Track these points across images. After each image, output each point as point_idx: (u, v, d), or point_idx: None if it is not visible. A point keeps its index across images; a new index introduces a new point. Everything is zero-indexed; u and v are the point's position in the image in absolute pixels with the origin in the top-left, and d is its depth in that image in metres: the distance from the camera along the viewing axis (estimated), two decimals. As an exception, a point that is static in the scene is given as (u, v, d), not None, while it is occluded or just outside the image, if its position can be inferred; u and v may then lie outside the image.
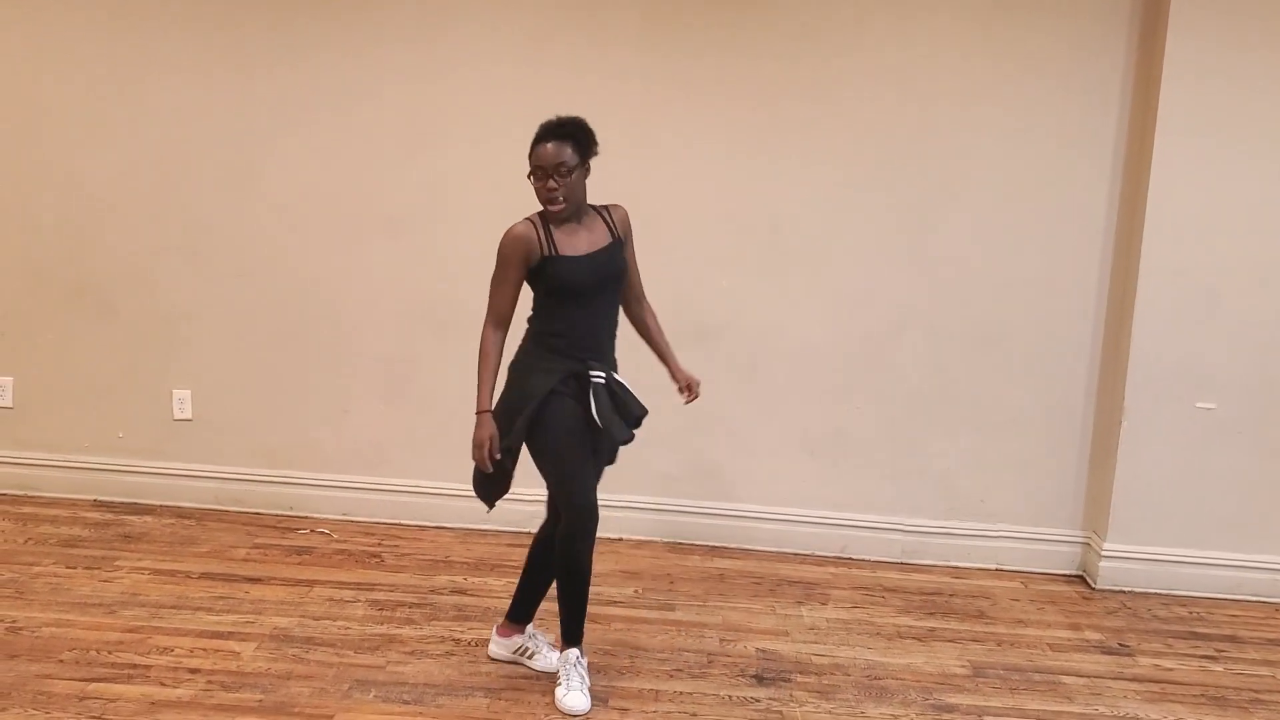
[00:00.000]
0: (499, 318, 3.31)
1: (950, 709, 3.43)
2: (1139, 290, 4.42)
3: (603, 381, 3.29)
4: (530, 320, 3.38)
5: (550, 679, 3.42)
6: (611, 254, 3.32)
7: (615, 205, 3.42)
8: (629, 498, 4.80)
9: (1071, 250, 4.58)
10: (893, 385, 4.70)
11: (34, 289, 4.85)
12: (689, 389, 3.53)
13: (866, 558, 4.76)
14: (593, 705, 3.29)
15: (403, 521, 4.88)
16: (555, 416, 3.27)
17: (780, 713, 3.34)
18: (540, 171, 3.23)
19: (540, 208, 3.29)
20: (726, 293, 4.68)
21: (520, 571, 3.59)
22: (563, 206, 3.23)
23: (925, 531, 4.77)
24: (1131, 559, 4.56)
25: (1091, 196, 4.55)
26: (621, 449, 3.44)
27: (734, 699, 3.41)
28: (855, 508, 4.77)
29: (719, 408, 4.71)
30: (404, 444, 4.86)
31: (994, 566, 4.75)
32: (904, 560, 4.77)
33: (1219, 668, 3.87)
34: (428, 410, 4.84)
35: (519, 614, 3.56)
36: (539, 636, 3.59)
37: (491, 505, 3.48)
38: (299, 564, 4.34)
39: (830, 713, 3.36)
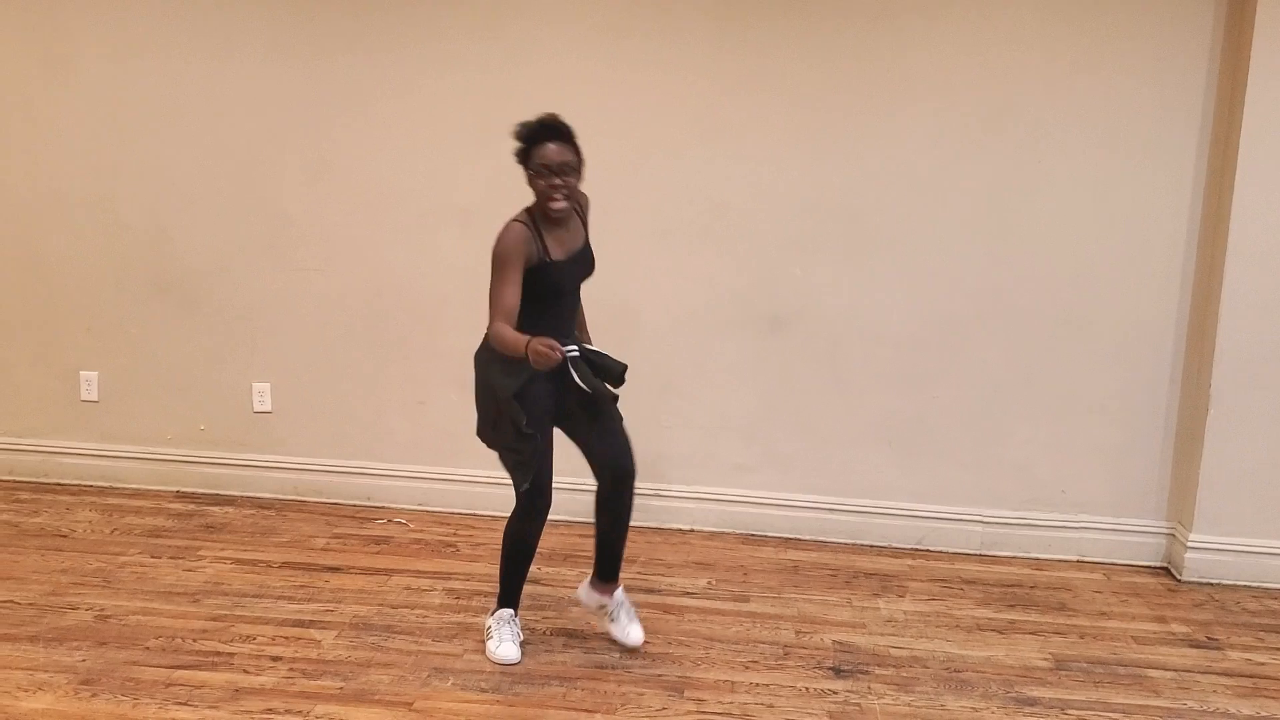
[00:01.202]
0: (506, 314, 3.31)
1: (1032, 702, 3.37)
2: (1226, 274, 4.30)
3: (577, 353, 3.38)
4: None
5: (628, 664, 3.43)
6: (586, 253, 3.48)
7: (582, 193, 3.48)
8: (701, 489, 4.78)
9: (1156, 233, 4.47)
10: (972, 373, 4.62)
11: (118, 284, 4.96)
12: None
13: (944, 549, 4.70)
14: (668, 695, 3.29)
15: (477, 511, 4.91)
16: (530, 401, 3.35)
17: (859, 705, 3.31)
18: (545, 170, 3.28)
19: (524, 208, 3.39)
20: (801, 281, 4.64)
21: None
22: (564, 206, 3.32)
23: (1005, 522, 4.69)
24: (1219, 550, 4.44)
25: (1177, 179, 4.43)
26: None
27: (811, 691, 3.38)
28: (933, 498, 4.71)
29: (794, 397, 4.69)
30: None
31: (1075, 558, 4.66)
32: (983, 552, 4.70)
33: (1313, 662, 3.76)
34: (502, 401, 4.86)
35: (604, 573, 3.63)
36: (625, 606, 3.63)
37: (527, 481, 3.46)
38: (377, 553, 4.39)
39: (909, 705, 3.32)
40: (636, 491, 3.53)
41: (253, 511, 4.82)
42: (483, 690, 3.28)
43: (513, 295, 3.33)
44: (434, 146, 4.73)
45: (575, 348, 3.40)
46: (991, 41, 4.43)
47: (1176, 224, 4.46)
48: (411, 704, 3.19)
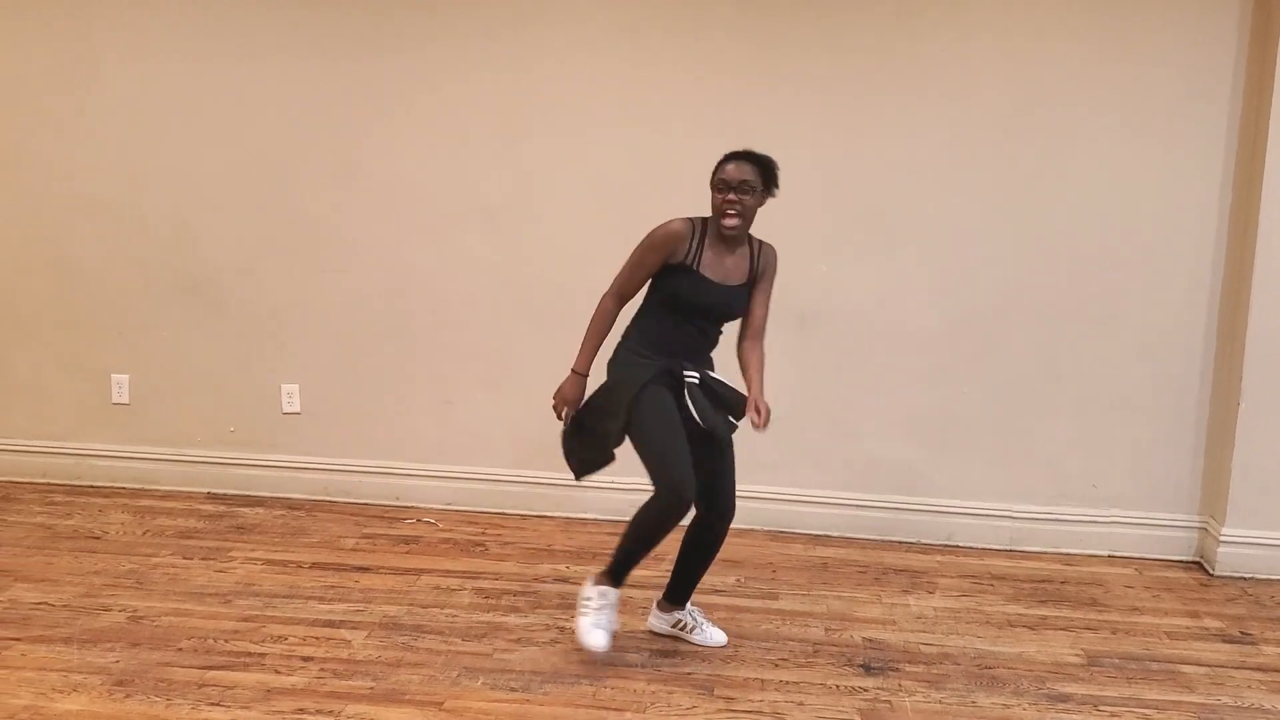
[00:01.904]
0: (622, 295, 3.45)
1: (1065, 699, 3.35)
2: (1256, 267, 4.26)
3: (696, 381, 3.36)
4: (635, 318, 3.47)
5: (658, 663, 3.43)
6: (738, 293, 3.39)
7: (770, 248, 3.46)
8: (730, 486, 4.78)
9: (1184, 227, 4.44)
10: (1000, 368, 4.60)
11: (147, 288, 4.99)
12: (758, 412, 3.36)
13: (974, 545, 4.68)
14: (697, 693, 3.29)
15: (505, 511, 4.92)
16: (650, 403, 3.33)
17: (889, 702, 3.29)
18: (723, 185, 3.29)
19: (708, 214, 3.38)
20: (826, 277, 4.62)
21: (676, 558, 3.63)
22: (737, 224, 3.30)
23: (1034, 518, 4.66)
24: (1252, 544, 4.41)
25: (1205, 172, 4.40)
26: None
27: (841, 688, 3.37)
28: (962, 494, 4.69)
29: (821, 393, 4.68)
30: (505, 434, 4.91)
31: (1106, 553, 4.63)
32: (1012, 547, 4.67)
33: (1349, 657, 3.72)
34: (529, 400, 4.85)
35: (675, 596, 3.64)
36: (697, 613, 3.66)
37: (580, 475, 3.56)
38: (406, 553, 4.41)
39: (940, 703, 3.30)
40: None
41: (283, 512, 4.85)
42: (512, 689, 3.29)
43: (633, 279, 3.42)
44: (458, 146, 4.74)
45: (697, 375, 3.37)
46: (1015, 33, 4.41)
47: (1205, 216, 4.42)
48: (442, 703, 3.19)
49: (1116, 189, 4.44)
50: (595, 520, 4.85)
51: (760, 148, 4.63)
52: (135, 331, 5.03)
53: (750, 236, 3.42)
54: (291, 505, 4.94)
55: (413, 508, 4.94)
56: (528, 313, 4.80)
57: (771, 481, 4.75)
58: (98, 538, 4.47)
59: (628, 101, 4.63)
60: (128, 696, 3.17)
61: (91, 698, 3.16)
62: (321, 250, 4.89)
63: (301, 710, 3.13)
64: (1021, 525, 4.67)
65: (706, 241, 3.35)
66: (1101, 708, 3.30)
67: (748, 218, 3.32)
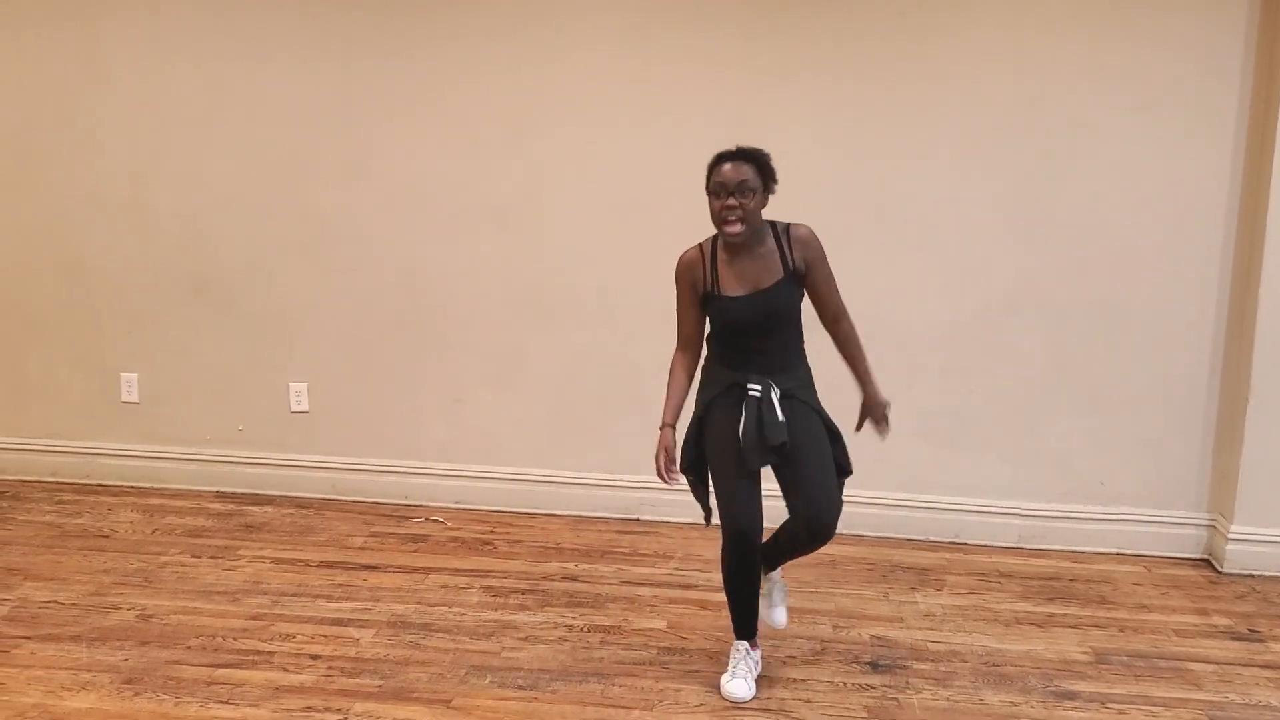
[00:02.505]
0: (682, 340, 3.32)
1: (1072, 696, 3.35)
2: (1265, 264, 4.24)
3: (757, 395, 3.17)
4: (706, 339, 3.36)
5: (666, 660, 3.44)
6: (776, 292, 3.18)
7: (798, 226, 3.22)
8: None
9: (1193, 223, 4.43)
10: (1009, 365, 4.59)
11: (156, 287, 5.01)
12: (874, 421, 3.34)
13: (982, 542, 4.67)
14: (706, 690, 3.29)
15: (514, 509, 4.93)
16: (712, 430, 3.25)
17: (897, 700, 3.29)
18: (720, 189, 3.10)
19: (713, 233, 3.23)
20: (835, 272, 4.60)
21: None
22: (740, 230, 3.10)
23: (1042, 515, 4.66)
24: (1260, 542, 4.39)
25: (1214, 169, 4.38)
26: None
27: (849, 686, 3.38)
28: (970, 492, 4.69)
29: (828, 390, 4.66)
30: (514, 432, 4.91)
31: (1115, 550, 4.62)
32: (1020, 545, 4.67)
33: (1358, 654, 3.71)
34: (537, 398, 4.88)
35: (768, 560, 3.46)
36: (778, 587, 3.53)
37: (707, 518, 3.37)
38: (415, 552, 4.42)
39: (948, 700, 3.30)
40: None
41: (291, 511, 4.86)
42: (520, 688, 3.30)
43: (685, 323, 3.30)
44: (467, 146, 4.75)
45: (759, 389, 3.17)
46: (1024, 27, 4.39)
47: (1214, 213, 4.41)
48: (450, 701, 3.20)
49: (1125, 186, 4.43)
50: (605, 519, 4.86)
51: (769, 142, 4.61)
52: (144, 330, 5.05)
53: (772, 226, 3.22)
54: (300, 504, 4.95)
55: (421, 506, 4.95)
56: (537, 311, 4.81)
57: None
58: (107, 536, 4.49)
59: (637, 99, 4.63)
60: (136, 695, 3.19)
61: (100, 696, 3.17)
62: (330, 249, 4.90)
63: (310, 708, 3.14)
64: (1029, 523, 4.66)
65: (720, 259, 3.20)
66: (1109, 705, 3.30)
67: (751, 221, 3.11)
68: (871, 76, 4.49)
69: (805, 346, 3.35)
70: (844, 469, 3.34)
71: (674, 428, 3.29)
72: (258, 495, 5.04)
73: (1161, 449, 4.57)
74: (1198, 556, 4.58)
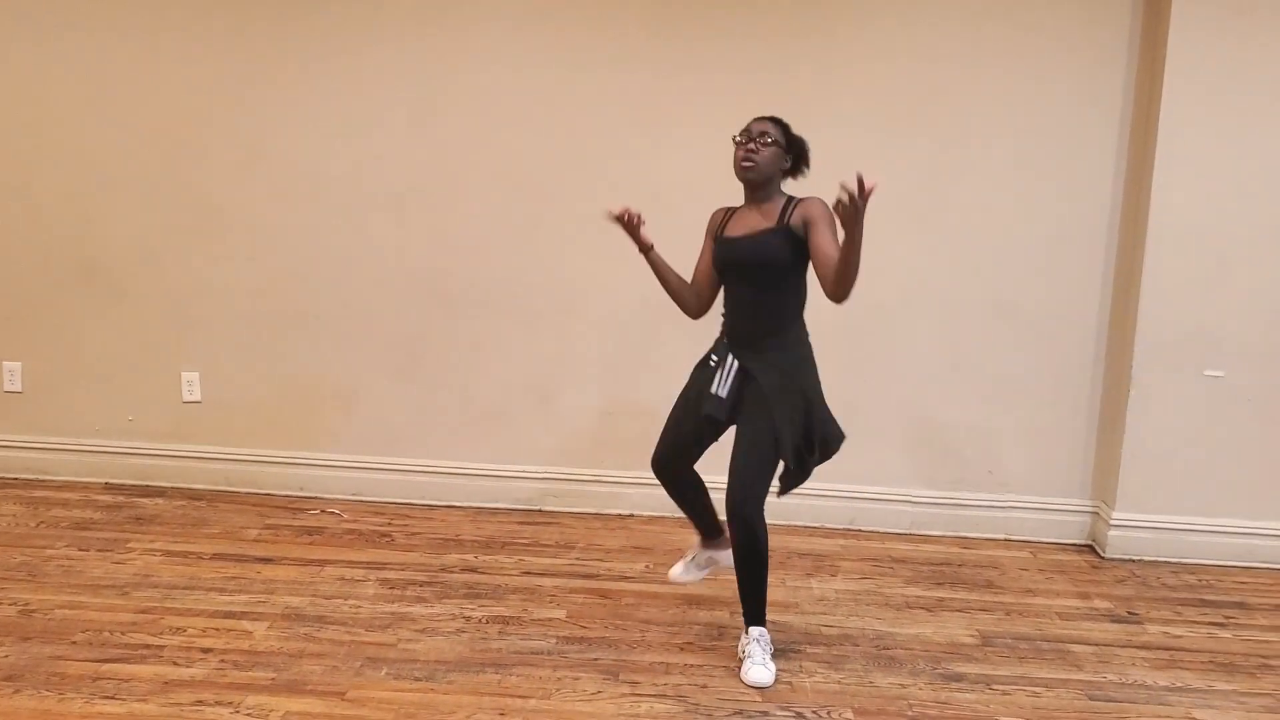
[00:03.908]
0: (692, 275, 3.61)
1: (959, 678, 3.44)
2: (1146, 258, 4.40)
3: (713, 366, 3.44)
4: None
5: (564, 650, 3.46)
6: (761, 240, 3.34)
7: (811, 198, 3.34)
8: (640, 474, 4.80)
9: (1078, 220, 4.57)
10: (901, 357, 4.69)
11: (41, 271, 4.87)
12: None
13: (876, 529, 4.78)
14: (603, 678, 3.31)
15: (413, 501, 4.90)
16: (693, 379, 3.57)
17: (790, 684, 3.35)
18: (745, 134, 3.37)
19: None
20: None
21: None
22: (752, 167, 3.33)
23: (934, 502, 4.77)
24: (1140, 528, 4.56)
25: (1098, 167, 4.53)
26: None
27: (744, 671, 3.42)
28: (864, 480, 4.78)
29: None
30: (413, 423, 4.88)
31: (1003, 537, 4.76)
32: (913, 531, 4.78)
33: (1228, 634, 3.87)
34: (437, 389, 4.85)
35: (707, 530, 3.80)
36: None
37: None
38: (310, 544, 4.37)
39: (839, 683, 3.37)
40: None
41: (183, 503, 4.77)
42: (417, 679, 3.28)
43: (699, 264, 3.60)
44: (366, 133, 4.70)
45: (716, 359, 3.44)
46: (916, 28, 4.49)
47: (1098, 211, 4.55)
48: (344, 694, 3.17)
49: (1014, 185, 4.55)
50: (506, 510, 4.85)
51: (667, 133, 4.68)
52: (28, 318, 4.90)
53: (790, 197, 3.37)
54: (192, 496, 4.86)
55: (317, 498, 4.89)
56: (436, 301, 4.78)
57: (678, 469, 4.79)
58: (-11, 530, 4.36)
59: (540, 88, 4.62)
60: (17, 692, 3.10)
61: (-20, 693, 3.08)
62: (224, 235, 4.80)
63: (200, 702, 3.08)
64: (921, 510, 4.78)
65: (736, 212, 3.48)
66: (994, 686, 3.39)
67: (763, 168, 3.33)
68: (768, 70, 4.54)
69: (803, 333, 3.49)
70: (800, 471, 3.47)
71: (649, 245, 3.53)
72: (148, 487, 4.93)
73: (1047, 439, 4.72)
74: (1081, 542, 4.74)
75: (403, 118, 4.67)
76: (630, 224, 3.42)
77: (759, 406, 3.32)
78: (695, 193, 4.68)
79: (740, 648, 3.49)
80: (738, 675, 3.38)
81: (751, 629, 3.43)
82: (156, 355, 4.90)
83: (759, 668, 3.34)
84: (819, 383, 3.44)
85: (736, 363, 3.38)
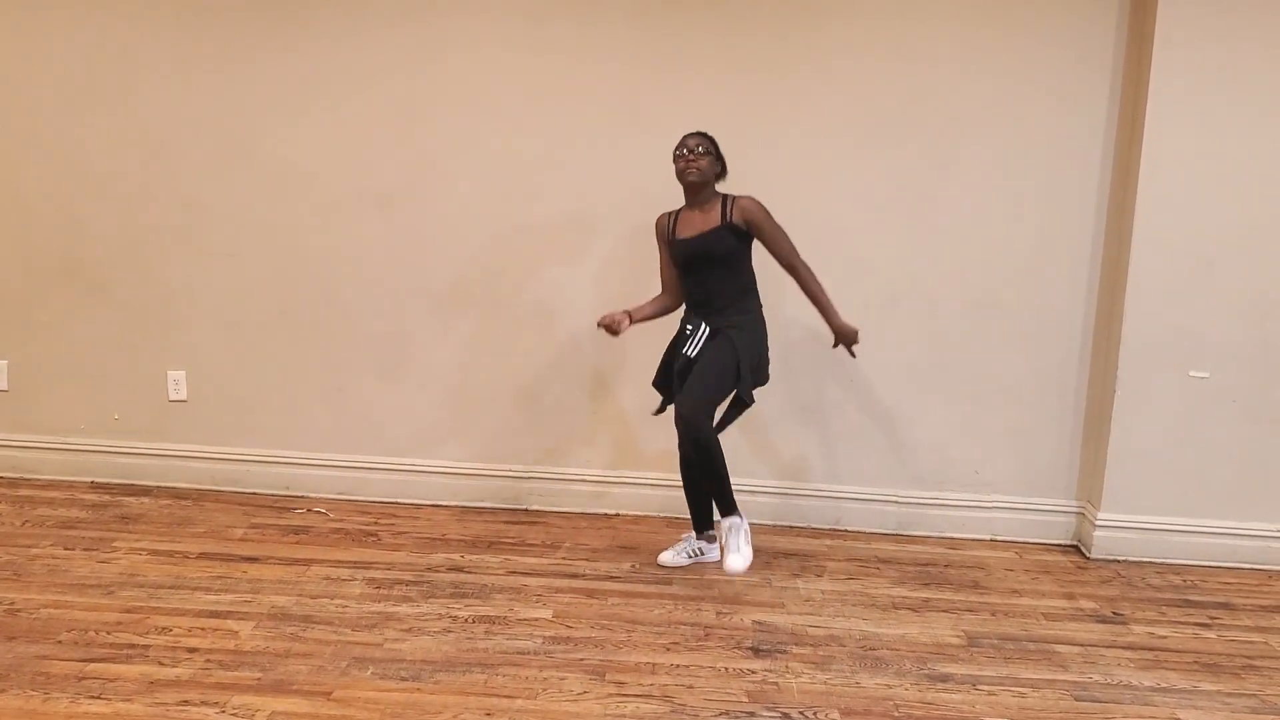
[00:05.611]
0: (663, 284, 4.25)
1: (945, 679, 3.45)
2: (1132, 259, 4.42)
3: (687, 334, 4.09)
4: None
5: (550, 649, 3.46)
6: (711, 238, 4.00)
7: (745, 196, 4.03)
8: (626, 473, 4.82)
9: (1066, 218, 4.58)
10: (888, 356, 4.70)
11: (27, 270, 4.85)
12: (845, 346, 4.12)
13: (862, 529, 4.79)
14: (589, 678, 3.31)
15: (399, 500, 4.89)
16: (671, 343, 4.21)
17: (776, 684, 3.35)
18: (684, 149, 4.01)
19: (679, 205, 4.13)
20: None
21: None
22: (696, 174, 3.99)
23: (920, 503, 4.79)
24: (1126, 528, 4.58)
25: (1084, 169, 4.54)
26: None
27: (730, 671, 3.42)
28: (851, 479, 4.79)
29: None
30: (400, 422, 4.87)
31: (988, 537, 4.78)
32: (899, 531, 4.79)
33: (1212, 635, 3.89)
34: (423, 388, 4.85)
35: (700, 524, 4.33)
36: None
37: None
38: (296, 543, 4.36)
39: (825, 684, 3.37)
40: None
41: (169, 502, 4.75)
42: (403, 679, 3.27)
43: (661, 270, 4.24)
44: (352, 132, 4.69)
45: (689, 326, 4.10)
46: (904, 27, 4.50)
47: (1084, 213, 4.57)
48: (330, 693, 3.17)
49: (1002, 184, 4.57)
50: (492, 509, 4.85)
51: (655, 132, 4.73)
52: (13, 316, 4.88)
53: (725, 196, 4.04)
54: (178, 495, 4.84)
55: (303, 497, 4.88)
56: (422, 300, 4.77)
57: (666, 469, 4.78)
58: (-27, 529, 4.34)
59: (526, 87, 4.62)
60: (3, 691, 3.08)
61: (-36, 693, 3.06)
62: (210, 234, 4.79)
63: (186, 702, 3.07)
64: (908, 510, 4.79)
65: (679, 216, 4.12)
66: (980, 687, 3.40)
67: (705, 174, 4.00)
68: (754, 67, 4.55)
69: (755, 303, 4.15)
70: (742, 400, 4.07)
71: (630, 315, 4.11)
72: (134, 486, 4.91)
73: (1033, 439, 4.73)
74: (1067, 543, 4.75)
75: (388, 116, 4.67)
76: (614, 329, 4.05)
77: (723, 343, 4.00)
78: (680, 189, 4.69)
79: (721, 539, 4.17)
80: (724, 666, 3.39)
81: (724, 520, 4.13)
82: (142, 354, 4.89)
83: (734, 555, 4.09)
84: (766, 336, 4.15)
85: (707, 328, 4.05)
